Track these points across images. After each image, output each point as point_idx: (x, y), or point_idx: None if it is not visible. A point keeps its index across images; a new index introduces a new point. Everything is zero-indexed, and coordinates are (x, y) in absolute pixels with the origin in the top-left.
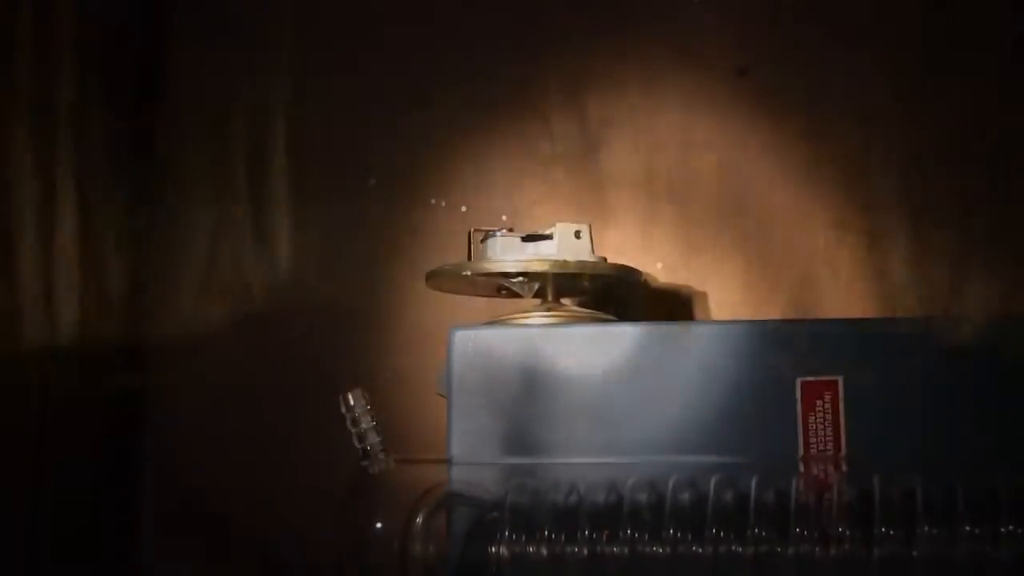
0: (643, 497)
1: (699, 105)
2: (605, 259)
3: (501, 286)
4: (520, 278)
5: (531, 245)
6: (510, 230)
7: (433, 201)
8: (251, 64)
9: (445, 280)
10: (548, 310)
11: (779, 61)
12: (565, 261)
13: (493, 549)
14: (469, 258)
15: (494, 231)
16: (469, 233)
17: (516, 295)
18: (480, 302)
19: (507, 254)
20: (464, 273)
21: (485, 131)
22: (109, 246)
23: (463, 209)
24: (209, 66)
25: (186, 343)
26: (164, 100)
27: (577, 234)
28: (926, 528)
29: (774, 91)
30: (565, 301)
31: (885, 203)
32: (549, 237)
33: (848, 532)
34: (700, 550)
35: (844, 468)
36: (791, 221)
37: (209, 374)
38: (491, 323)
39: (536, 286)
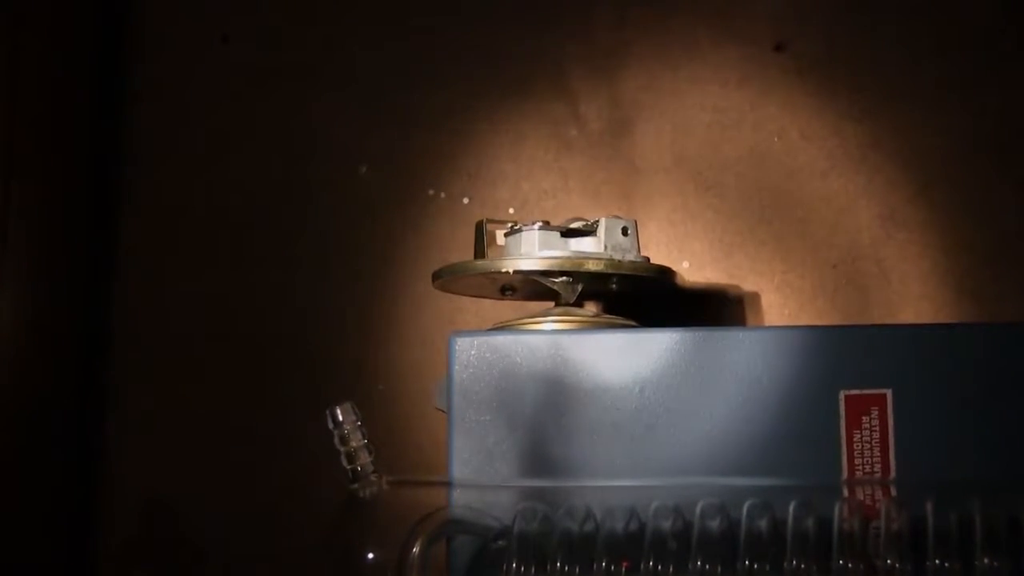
0: (667, 524)
1: (731, 84)
2: (648, 259)
3: (506, 286)
4: (564, 278)
5: (573, 241)
6: (546, 223)
7: (431, 192)
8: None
9: (455, 280)
10: (561, 314)
11: (822, 35)
12: (619, 261)
13: None
14: (478, 253)
15: (528, 224)
16: (481, 225)
17: (543, 296)
18: (483, 306)
19: (546, 250)
20: (504, 271)
21: (489, 113)
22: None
23: (465, 201)
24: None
25: (157, 351)
26: None
27: (624, 230)
28: (986, 560)
29: (816, 68)
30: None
31: (940, 193)
32: (586, 232)
33: (898, 565)
34: None
35: (893, 492)
36: (835, 214)
37: (182, 385)
38: (496, 328)
39: (580, 287)
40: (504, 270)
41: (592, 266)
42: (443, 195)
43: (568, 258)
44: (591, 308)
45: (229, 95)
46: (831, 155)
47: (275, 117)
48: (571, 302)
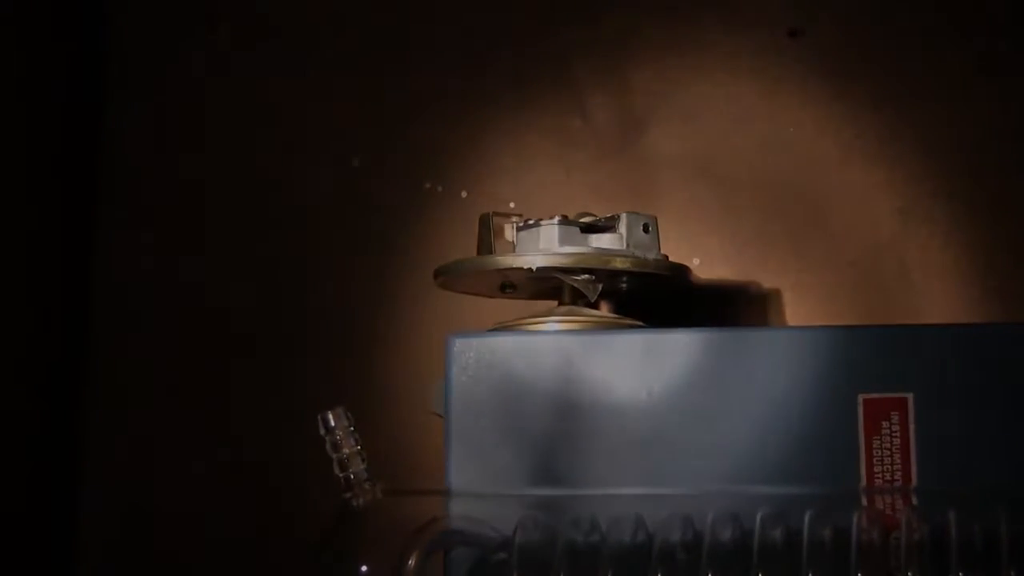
0: (676, 535)
1: (743, 72)
2: (667, 256)
3: (506, 284)
4: (585, 276)
5: (592, 237)
6: (564, 217)
7: (428, 185)
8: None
9: (457, 277)
10: (566, 314)
11: (839, 20)
12: (645, 259)
13: None
14: (481, 248)
15: (547, 218)
16: (487, 218)
17: (544, 295)
18: (482, 306)
19: (567, 246)
20: (524, 267)
21: (489, 103)
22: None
23: (463, 195)
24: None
25: (145, 351)
26: None
27: (645, 227)
28: (1012, 573)
29: (832, 55)
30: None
31: (964, 186)
32: (605, 228)
33: None
34: None
35: (914, 501)
36: (852, 208)
37: (169, 388)
38: (497, 329)
39: (600, 286)
40: (526, 267)
41: (619, 263)
42: (439, 188)
43: (593, 255)
44: (599, 308)
45: (215, 84)
46: (848, 146)
47: (264, 107)
48: (592, 301)
